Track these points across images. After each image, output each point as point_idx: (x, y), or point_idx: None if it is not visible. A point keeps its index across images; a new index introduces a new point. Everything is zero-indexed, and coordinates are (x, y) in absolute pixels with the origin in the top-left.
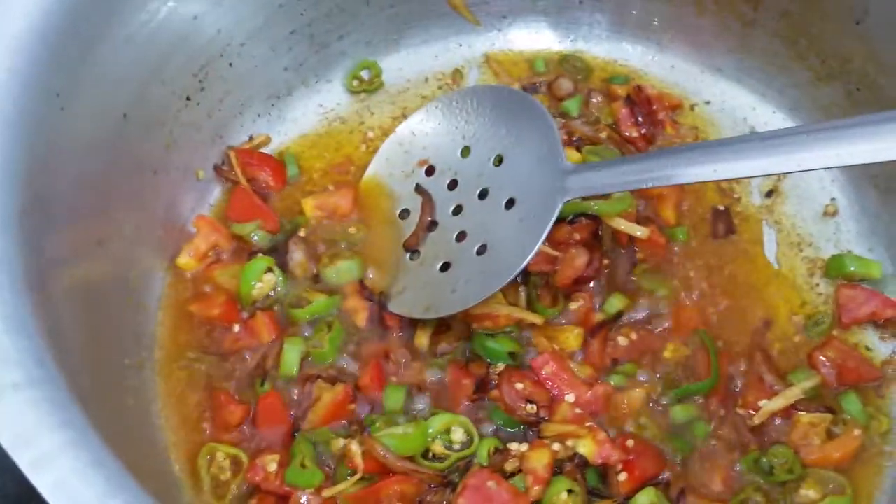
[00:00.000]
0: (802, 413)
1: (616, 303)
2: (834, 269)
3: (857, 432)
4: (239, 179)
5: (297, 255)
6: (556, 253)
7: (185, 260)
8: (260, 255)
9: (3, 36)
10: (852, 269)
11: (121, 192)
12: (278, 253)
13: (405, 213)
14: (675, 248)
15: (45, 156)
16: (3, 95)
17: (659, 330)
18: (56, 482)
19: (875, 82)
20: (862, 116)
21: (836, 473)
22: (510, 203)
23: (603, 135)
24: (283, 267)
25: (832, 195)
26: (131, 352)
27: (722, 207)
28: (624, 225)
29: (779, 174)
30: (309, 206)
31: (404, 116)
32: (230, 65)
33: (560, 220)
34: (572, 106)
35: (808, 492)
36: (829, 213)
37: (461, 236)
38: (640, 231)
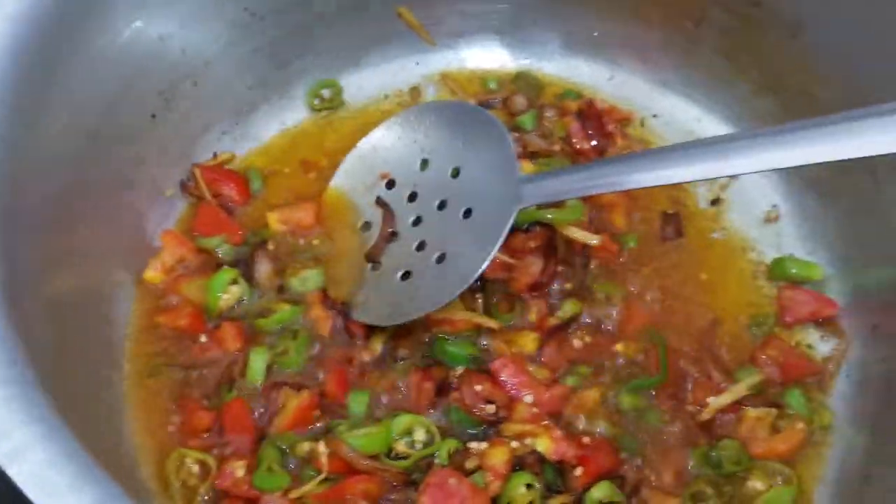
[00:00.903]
0: (749, 408)
1: (570, 307)
2: (776, 271)
3: (800, 426)
4: (204, 195)
5: (263, 267)
6: (511, 261)
7: (152, 273)
8: (225, 267)
9: None
10: (794, 271)
11: (89, 208)
12: (243, 265)
13: (367, 226)
14: (626, 254)
15: (14, 172)
16: None
17: (612, 331)
18: (30, 472)
19: (810, 93)
20: (793, 123)
21: (783, 465)
22: (468, 213)
23: (556, 147)
24: (249, 278)
25: (774, 201)
26: (101, 361)
27: (671, 211)
28: (578, 233)
29: (721, 180)
30: (273, 219)
31: (364, 132)
32: (195, 83)
33: (515, 230)
34: (527, 120)
35: (756, 483)
36: (772, 218)
37: (421, 246)
38: (593, 239)
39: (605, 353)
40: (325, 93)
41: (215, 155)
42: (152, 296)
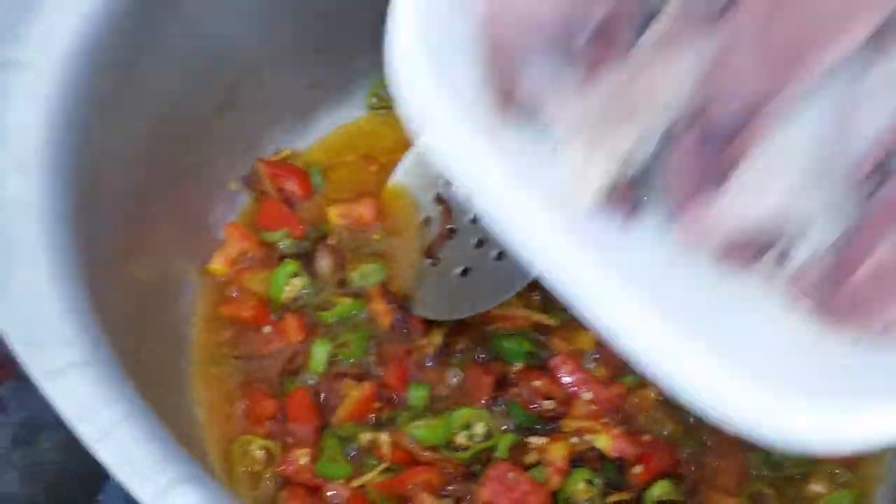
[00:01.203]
0: None
1: None
2: None
3: None
4: (267, 189)
5: (324, 260)
6: None
7: (217, 265)
8: (288, 260)
9: (53, 49)
10: None
11: (158, 201)
12: (305, 258)
13: (426, 222)
14: None
15: (91, 162)
16: (54, 104)
17: None
18: (116, 452)
19: None
20: None
21: (843, 468)
22: None
23: None
24: (310, 271)
25: None
26: (170, 349)
27: None
28: None
29: None
30: (334, 214)
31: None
32: (259, 81)
33: None
34: None
35: (816, 486)
36: None
37: (480, 243)
38: None
39: None
40: (384, 92)
41: (277, 151)
42: (216, 287)
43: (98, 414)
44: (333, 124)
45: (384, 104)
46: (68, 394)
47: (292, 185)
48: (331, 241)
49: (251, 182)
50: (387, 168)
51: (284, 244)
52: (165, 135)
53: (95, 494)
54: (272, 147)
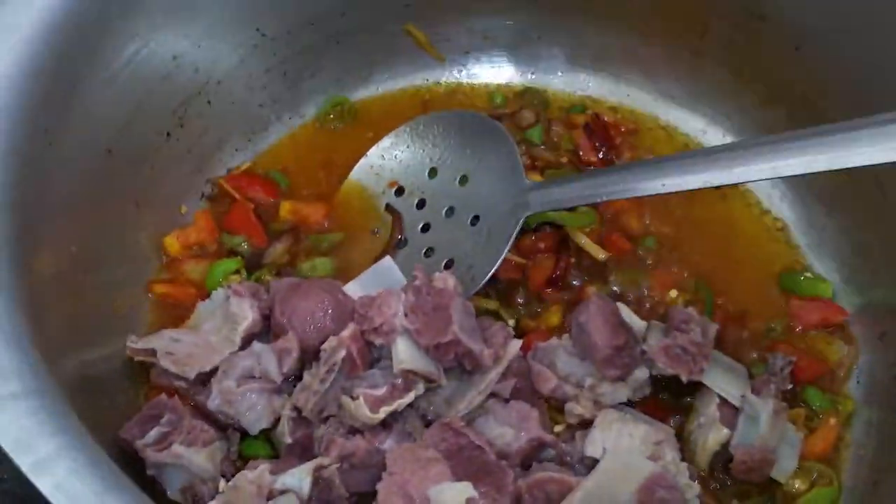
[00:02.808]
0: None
1: (594, 290)
2: (786, 284)
3: (832, 421)
4: (238, 199)
5: (279, 245)
6: (522, 261)
7: (172, 241)
8: (233, 257)
9: None
10: (804, 288)
11: (105, 223)
12: (256, 256)
13: (376, 231)
14: (644, 253)
15: (34, 188)
16: None
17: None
18: (56, 483)
19: (815, 105)
20: (794, 132)
21: (823, 466)
22: (475, 220)
23: (564, 160)
24: (256, 266)
25: (780, 210)
26: (119, 368)
27: None
28: (588, 246)
29: (723, 187)
30: (285, 210)
31: (374, 144)
32: (208, 102)
33: (525, 230)
34: (534, 134)
35: (797, 482)
36: (778, 227)
37: (429, 252)
38: (601, 254)
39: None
40: (336, 110)
41: (229, 171)
42: (166, 309)
43: (37, 445)
44: (285, 143)
45: (336, 121)
46: (7, 425)
47: (259, 193)
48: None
49: (218, 198)
50: (341, 177)
51: (242, 249)
52: (114, 156)
53: None
54: (223, 168)
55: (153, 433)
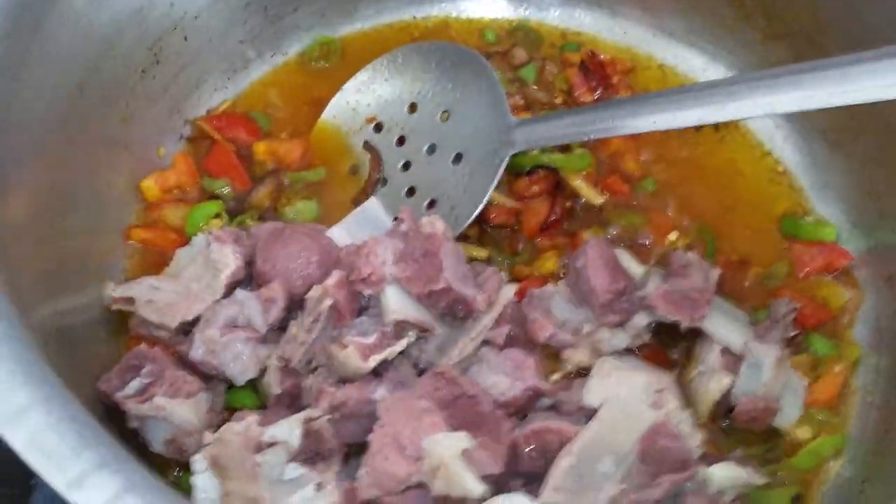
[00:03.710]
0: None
1: (590, 234)
2: (788, 229)
3: (838, 368)
4: (216, 138)
5: (263, 188)
6: (517, 205)
7: (150, 184)
8: (213, 200)
9: None
10: (806, 232)
11: (79, 167)
12: (240, 200)
13: (354, 169)
14: (642, 196)
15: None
16: None
17: (647, 245)
18: (29, 436)
19: (817, 40)
20: (790, 66)
21: (829, 413)
22: (458, 158)
23: (558, 100)
24: (239, 211)
25: (783, 151)
26: (97, 318)
27: None
28: (584, 190)
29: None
30: (260, 149)
31: None
32: (185, 38)
33: (519, 174)
34: (528, 73)
35: (801, 431)
36: (779, 171)
37: (411, 192)
38: (599, 198)
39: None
40: (322, 49)
41: (208, 112)
42: (148, 254)
43: (8, 396)
44: (267, 83)
45: (321, 59)
46: None
47: (240, 133)
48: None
49: (197, 140)
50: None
51: (224, 193)
52: (85, 96)
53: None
54: (202, 108)
55: (134, 384)
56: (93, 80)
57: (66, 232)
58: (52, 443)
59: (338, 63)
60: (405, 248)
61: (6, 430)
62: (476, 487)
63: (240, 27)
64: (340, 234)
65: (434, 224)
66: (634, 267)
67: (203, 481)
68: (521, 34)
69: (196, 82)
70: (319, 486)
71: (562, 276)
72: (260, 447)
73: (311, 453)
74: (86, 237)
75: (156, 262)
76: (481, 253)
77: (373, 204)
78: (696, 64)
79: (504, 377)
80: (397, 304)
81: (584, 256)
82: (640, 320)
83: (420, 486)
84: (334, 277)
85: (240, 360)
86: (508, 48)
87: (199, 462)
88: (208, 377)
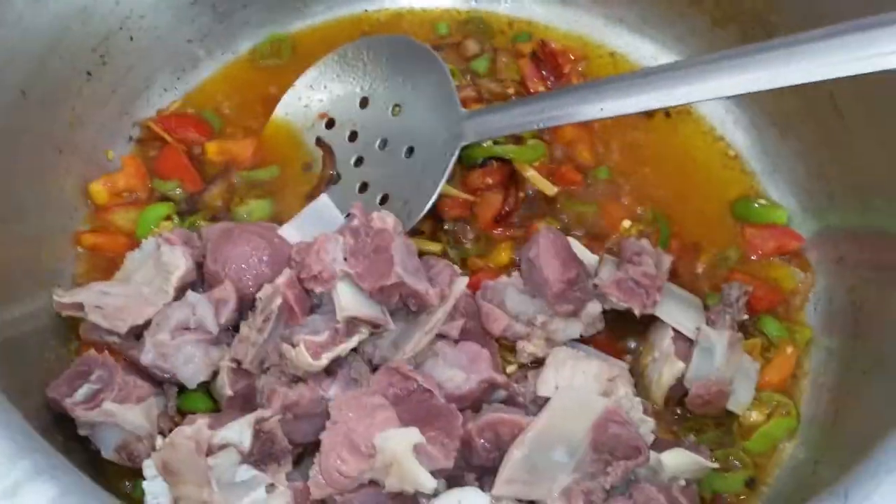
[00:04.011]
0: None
1: (544, 225)
2: (740, 213)
3: (790, 350)
4: (167, 140)
5: (216, 187)
6: (471, 198)
7: (98, 188)
8: (163, 202)
9: None
10: (757, 215)
11: (25, 171)
12: (190, 204)
13: (307, 166)
14: (596, 184)
15: None
16: None
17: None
18: None
19: (767, 20)
20: (736, 49)
21: (782, 396)
22: (410, 151)
23: (510, 91)
24: (190, 211)
25: (734, 137)
26: (46, 325)
27: None
28: (538, 181)
29: (664, 109)
30: (212, 150)
31: None
32: (131, 38)
33: (473, 166)
34: (480, 65)
35: (754, 414)
36: (731, 156)
37: (363, 187)
38: (552, 190)
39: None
40: (273, 46)
41: (158, 112)
42: (95, 259)
43: None
44: (217, 81)
45: (272, 57)
46: None
47: (191, 133)
48: (234, 179)
49: (146, 141)
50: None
51: (176, 195)
52: (29, 100)
53: None
54: (152, 109)
55: (83, 391)
56: (36, 83)
57: (13, 238)
58: None
59: (289, 60)
60: (356, 243)
61: None
62: (428, 482)
63: (188, 25)
64: (291, 232)
65: (385, 219)
66: (587, 255)
67: (154, 486)
68: (472, 26)
69: (145, 83)
70: (271, 488)
71: (516, 267)
72: (211, 450)
73: (263, 454)
74: (34, 243)
75: (106, 268)
76: (434, 247)
77: (324, 200)
78: (648, 52)
79: (459, 371)
80: (349, 300)
81: (535, 246)
82: (594, 308)
83: (373, 483)
84: (284, 276)
85: (192, 362)
86: (460, 40)
87: (149, 468)
88: (160, 382)
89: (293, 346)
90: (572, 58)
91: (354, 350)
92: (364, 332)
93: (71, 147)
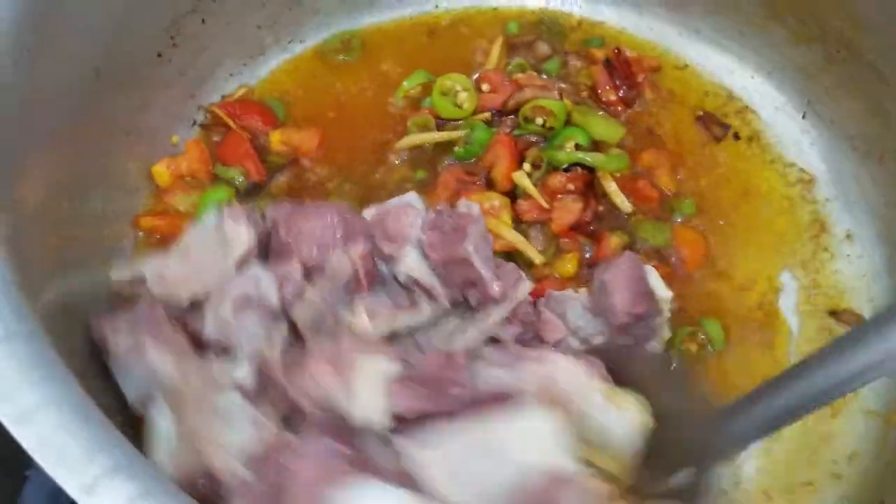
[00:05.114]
0: None
1: (616, 239)
2: None
3: None
4: (233, 127)
5: (282, 177)
6: (547, 206)
7: (161, 170)
8: (222, 186)
9: None
10: None
11: (93, 152)
12: (252, 188)
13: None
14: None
15: (17, 112)
16: None
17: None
18: (39, 436)
19: (853, 42)
20: None
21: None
22: None
23: (584, 94)
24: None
25: (810, 161)
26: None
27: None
28: (616, 196)
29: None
30: (276, 139)
31: (382, 75)
32: (202, 21)
33: (555, 170)
34: (552, 67)
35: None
36: (805, 180)
37: None
38: (627, 207)
39: None
40: (342, 41)
41: (223, 97)
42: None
43: (20, 395)
44: (283, 70)
45: (343, 53)
46: None
47: (255, 121)
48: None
49: (211, 127)
50: (346, 108)
51: (238, 182)
52: (102, 79)
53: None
54: (217, 94)
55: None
56: (109, 63)
57: (77, 218)
58: (64, 443)
59: (358, 58)
60: (436, 219)
61: (16, 429)
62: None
63: (258, 11)
64: (370, 214)
65: (470, 206)
66: (661, 289)
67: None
68: (543, 27)
69: (212, 67)
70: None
71: (582, 282)
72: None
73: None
74: (97, 223)
75: (164, 250)
76: (535, 255)
77: (410, 196)
78: (722, 63)
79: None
80: (414, 263)
81: (613, 269)
82: (653, 348)
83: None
84: (357, 247)
85: (252, 336)
86: (533, 40)
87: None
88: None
89: (353, 312)
90: (646, 67)
91: (410, 335)
92: (424, 309)
93: (137, 129)
